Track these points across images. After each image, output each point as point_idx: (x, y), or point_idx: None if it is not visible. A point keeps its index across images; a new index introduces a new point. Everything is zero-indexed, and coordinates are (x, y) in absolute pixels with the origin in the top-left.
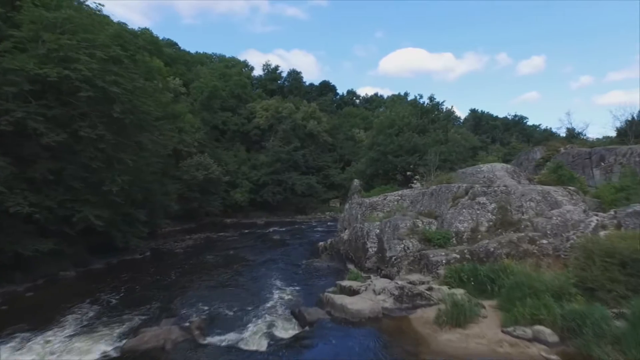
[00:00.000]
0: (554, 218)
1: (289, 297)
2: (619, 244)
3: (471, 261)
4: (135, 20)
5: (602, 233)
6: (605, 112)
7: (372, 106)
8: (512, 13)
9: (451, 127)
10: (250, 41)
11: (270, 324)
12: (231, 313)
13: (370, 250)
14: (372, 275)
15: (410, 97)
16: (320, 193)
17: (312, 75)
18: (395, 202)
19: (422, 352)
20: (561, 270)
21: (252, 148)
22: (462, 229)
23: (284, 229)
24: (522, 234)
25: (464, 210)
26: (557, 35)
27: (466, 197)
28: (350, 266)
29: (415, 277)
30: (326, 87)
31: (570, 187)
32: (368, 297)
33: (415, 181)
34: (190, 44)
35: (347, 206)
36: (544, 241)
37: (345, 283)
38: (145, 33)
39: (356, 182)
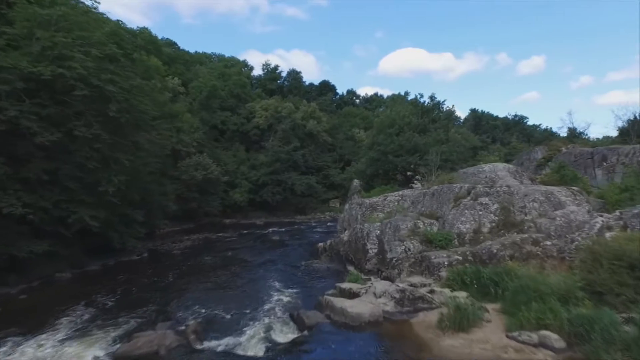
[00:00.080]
0: (558, 219)
1: (288, 299)
2: (627, 246)
3: (473, 263)
4: (135, 20)
5: (607, 234)
6: (605, 112)
7: (372, 106)
8: (512, 13)
9: (452, 126)
10: (250, 41)
11: (268, 327)
12: (228, 316)
13: (370, 251)
14: (372, 277)
15: (410, 97)
16: (320, 193)
17: (312, 75)
18: (396, 203)
19: (425, 357)
20: (566, 272)
21: (252, 148)
22: (464, 230)
23: (283, 230)
24: (526, 235)
25: (466, 211)
26: (557, 35)
27: (468, 198)
28: (350, 268)
29: (416, 279)
30: (326, 87)
31: (573, 187)
32: (368, 300)
33: (416, 181)
34: (190, 44)
35: (347, 207)
36: (548, 242)
37: (345, 285)
38: (143, 32)
39: (356, 182)
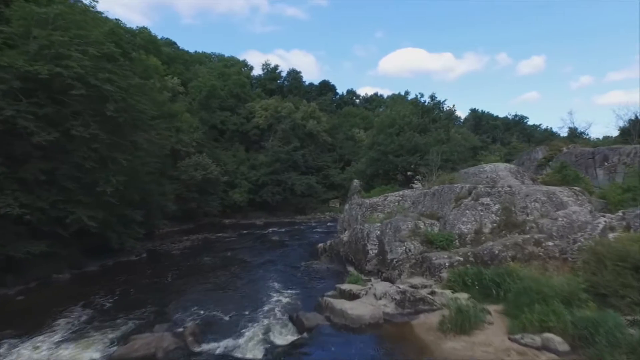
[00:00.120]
0: (560, 219)
1: (287, 300)
2: (631, 247)
3: (475, 264)
4: (135, 20)
5: (610, 235)
6: (605, 112)
7: (372, 106)
8: (512, 13)
9: (452, 126)
10: (250, 41)
11: (267, 329)
12: (227, 318)
13: (370, 252)
14: (372, 278)
15: (410, 97)
16: (320, 193)
17: (312, 75)
18: (396, 203)
19: None
20: (569, 274)
21: (251, 148)
22: (466, 230)
23: (283, 230)
24: (528, 236)
25: (467, 211)
26: (557, 35)
27: (469, 198)
28: (350, 268)
29: (417, 280)
30: (326, 87)
31: (575, 188)
32: (369, 302)
33: (416, 181)
34: (190, 44)
35: (347, 207)
36: (550, 243)
37: (345, 287)
38: (143, 32)
39: (356, 182)
